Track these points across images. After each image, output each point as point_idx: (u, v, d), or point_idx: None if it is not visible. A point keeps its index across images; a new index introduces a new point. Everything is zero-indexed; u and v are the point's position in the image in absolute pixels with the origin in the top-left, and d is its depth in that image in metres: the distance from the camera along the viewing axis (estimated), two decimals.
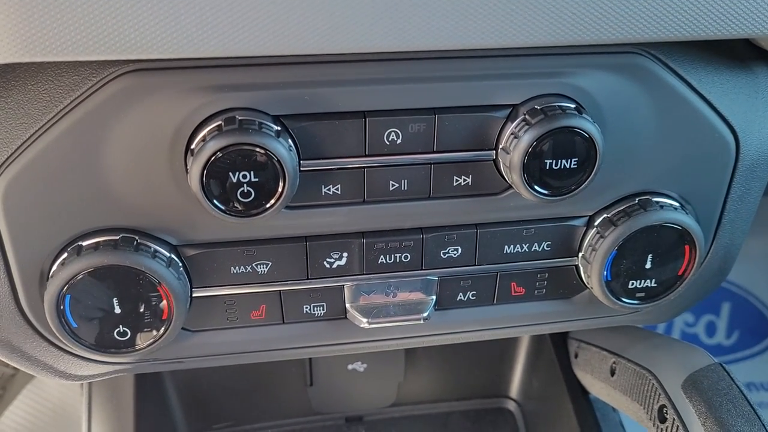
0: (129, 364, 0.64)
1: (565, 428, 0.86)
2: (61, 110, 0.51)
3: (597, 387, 0.80)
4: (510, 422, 0.96)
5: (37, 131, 0.51)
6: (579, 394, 0.85)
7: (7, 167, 0.52)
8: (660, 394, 0.65)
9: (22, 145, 0.51)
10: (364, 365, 0.90)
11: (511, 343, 0.96)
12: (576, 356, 0.85)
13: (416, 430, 0.95)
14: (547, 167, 0.55)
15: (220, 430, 0.92)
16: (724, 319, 1.75)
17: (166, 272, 0.55)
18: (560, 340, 0.89)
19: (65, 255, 0.55)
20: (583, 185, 0.56)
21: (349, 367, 0.90)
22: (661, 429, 0.63)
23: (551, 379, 0.89)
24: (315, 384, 0.91)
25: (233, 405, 0.92)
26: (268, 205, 0.52)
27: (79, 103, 0.51)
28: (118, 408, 0.81)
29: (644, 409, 0.66)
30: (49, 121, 0.51)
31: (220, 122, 0.51)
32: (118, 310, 0.56)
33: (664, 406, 0.64)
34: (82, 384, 1.11)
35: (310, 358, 0.89)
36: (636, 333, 0.76)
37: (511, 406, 0.98)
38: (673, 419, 0.62)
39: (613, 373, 0.74)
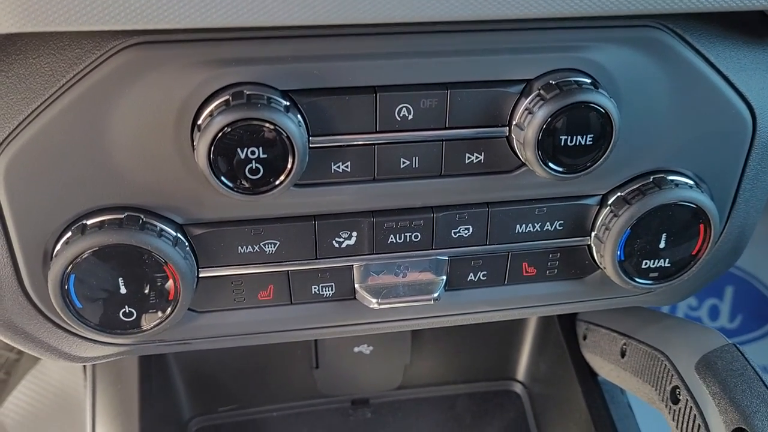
0: (134, 346, 0.63)
1: (573, 410, 0.85)
2: (63, 84, 0.49)
3: (606, 369, 0.79)
4: (517, 405, 0.96)
5: (39, 106, 0.50)
6: (587, 376, 0.84)
7: (9, 144, 0.51)
8: (672, 376, 0.64)
9: (24, 120, 0.50)
10: (371, 348, 0.90)
11: (518, 326, 0.95)
12: (584, 338, 0.84)
13: (422, 413, 0.94)
14: (562, 144, 0.53)
15: (226, 412, 0.91)
16: (728, 302, 1.75)
17: (173, 251, 0.54)
18: (568, 322, 0.89)
19: (69, 234, 0.53)
20: (598, 162, 0.54)
21: (356, 349, 0.90)
22: (674, 410, 0.63)
23: (559, 361, 0.88)
24: (321, 366, 0.90)
25: (238, 388, 0.92)
26: (276, 182, 0.51)
27: (82, 77, 0.49)
28: (123, 391, 0.80)
29: (656, 390, 0.66)
30: (51, 95, 0.50)
31: (227, 97, 0.49)
32: (123, 291, 0.55)
33: (677, 387, 0.63)
34: (85, 367, 1.11)
35: (315, 341, 0.89)
36: (647, 314, 0.76)
37: (518, 388, 0.97)
38: (687, 400, 0.61)
39: (623, 355, 0.74)
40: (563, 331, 0.88)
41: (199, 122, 0.50)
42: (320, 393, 0.93)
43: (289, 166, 0.50)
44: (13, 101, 0.50)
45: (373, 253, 0.60)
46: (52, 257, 0.54)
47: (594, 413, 0.81)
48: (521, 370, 0.97)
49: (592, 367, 0.84)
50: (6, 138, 0.51)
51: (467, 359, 0.96)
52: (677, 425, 0.61)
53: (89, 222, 0.53)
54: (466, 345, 0.95)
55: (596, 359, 0.81)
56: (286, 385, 0.93)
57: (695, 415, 0.60)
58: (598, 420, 0.80)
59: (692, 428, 0.60)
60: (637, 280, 0.62)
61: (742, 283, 1.76)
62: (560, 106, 0.52)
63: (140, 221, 0.54)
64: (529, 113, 0.53)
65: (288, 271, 0.60)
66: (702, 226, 0.61)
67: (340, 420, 0.92)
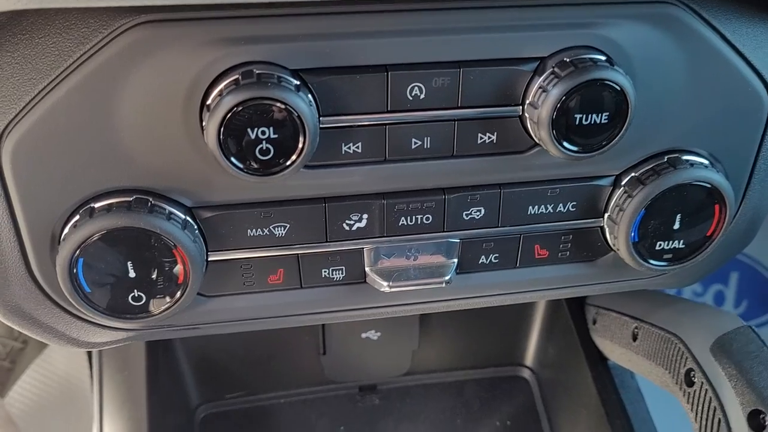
0: (143, 331, 0.62)
1: (583, 395, 0.85)
2: (70, 65, 0.48)
3: (617, 353, 0.78)
4: (525, 390, 0.95)
5: (45, 87, 0.49)
6: (597, 360, 0.84)
7: (15, 125, 0.50)
8: (687, 358, 0.63)
9: (30, 101, 0.49)
10: (378, 333, 0.89)
11: (526, 311, 0.95)
12: (594, 322, 0.83)
13: (430, 399, 0.94)
14: (577, 123, 0.52)
15: (233, 399, 0.91)
16: (733, 288, 1.75)
17: (182, 235, 0.53)
18: (577, 307, 0.88)
19: (77, 217, 0.53)
20: (614, 141, 0.54)
21: (363, 335, 0.89)
22: (689, 393, 0.62)
23: (568, 346, 0.88)
24: (328, 353, 0.89)
25: (246, 375, 0.91)
26: (287, 163, 0.50)
27: (89, 57, 0.48)
28: (130, 378, 0.80)
29: (670, 373, 0.65)
30: (58, 76, 0.49)
31: (237, 76, 0.48)
32: (132, 275, 0.54)
33: (691, 369, 0.62)
34: (91, 356, 1.10)
35: (323, 327, 0.88)
36: (658, 297, 0.75)
37: (526, 374, 0.97)
38: (702, 383, 0.61)
39: (635, 338, 0.73)
40: (572, 316, 0.88)
41: (209, 102, 0.49)
42: (328, 379, 0.92)
43: (300, 146, 0.50)
44: (20, 82, 0.49)
45: (383, 236, 0.59)
46: (60, 241, 0.53)
47: (604, 397, 0.81)
48: (530, 355, 0.97)
49: (602, 351, 0.83)
50: (12, 119, 0.50)
51: (475, 345, 0.96)
52: (692, 408, 0.61)
53: (97, 205, 0.53)
54: (474, 330, 0.95)
55: (606, 343, 0.81)
56: (293, 372, 0.92)
57: (711, 398, 0.59)
58: (608, 404, 0.80)
59: (708, 410, 0.59)
60: (651, 261, 0.61)
61: (747, 269, 1.76)
62: (575, 84, 0.51)
63: (149, 204, 0.53)
64: (543, 91, 0.52)
65: (298, 254, 0.59)
66: (717, 207, 0.60)
67: (348, 406, 0.92)
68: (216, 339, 0.89)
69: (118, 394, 0.79)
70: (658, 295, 0.76)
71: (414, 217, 0.59)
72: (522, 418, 0.92)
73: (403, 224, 0.59)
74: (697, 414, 0.60)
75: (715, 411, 0.59)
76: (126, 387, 0.79)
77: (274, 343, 0.90)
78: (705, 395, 0.60)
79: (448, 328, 0.94)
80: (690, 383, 0.62)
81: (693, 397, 0.61)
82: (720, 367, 0.60)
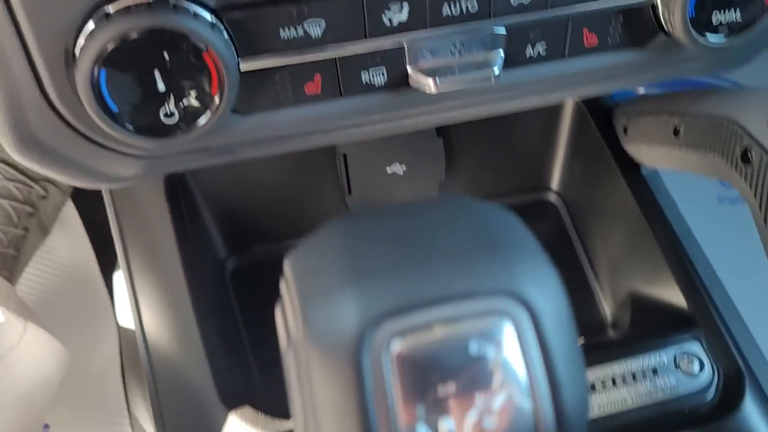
0: (176, 158, 0.58)
1: (617, 206, 0.84)
2: None
3: (654, 154, 0.77)
4: (553, 214, 0.94)
5: None
6: (630, 167, 0.82)
7: None
8: (742, 137, 0.61)
9: None
10: (403, 167, 0.86)
11: (550, 131, 0.92)
12: (625, 131, 0.81)
13: None
14: None
15: (260, 248, 0.89)
16: None
17: (212, 35, 0.48)
18: (605, 120, 0.85)
19: (92, 25, 0.47)
20: None
21: (388, 170, 0.86)
22: (746, 172, 0.61)
23: (597, 159, 0.86)
24: (353, 191, 0.86)
25: (270, 222, 0.88)
26: None
27: None
28: (155, 231, 0.76)
29: (722, 158, 0.63)
30: None
31: None
32: (161, 87, 0.49)
33: (747, 148, 0.61)
34: (96, 240, 1.06)
35: (346, 165, 0.85)
36: (699, 93, 0.72)
37: (552, 197, 0.95)
38: (761, 157, 0.59)
39: (676, 134, 0.71)
40: (600, 129, 0.85)
41: None
42: None
43: None
44: None
45: (426, 28, 0.54)
46: (75, 55, 0.48)
47: (642, 203, 0.79)
48: (555, 178, 0.95)
49: (636, 158, 0.82)
50: None
51: (499, 172, 0.94)
52: (751, 185, 0.60)
53: (112, 8, 0.47)
54: (498, 157, 0.92)
55: (642, 148, 0.78)
56: (318, 216, 0.90)
57: None
58: (646, 208, 0.79)
59: None
60: (707, 36, 0.58)
61: None
62: None
63: (170, 3, 0.47)
64: None
65: (336, 58, 0.54)
66: None
67: None
68: (236, 187, 0.85)
69: (147, 249, 0.76)
70: (696, 92, 0.74)
71: (458, 3, 0.54)
72: (552, 240, 0.92)
73: (447, 15, 0.54)
74: (756, 190, 0.59)
75: None
76: (153, 241, 0.76)
77: (295, 187, 0.87)
78: (765, 169, 0.58)
79: (473, 157, 0.91)
80: (747, 160, 0.61)
81: (751, 174, 0.60)
82: None
